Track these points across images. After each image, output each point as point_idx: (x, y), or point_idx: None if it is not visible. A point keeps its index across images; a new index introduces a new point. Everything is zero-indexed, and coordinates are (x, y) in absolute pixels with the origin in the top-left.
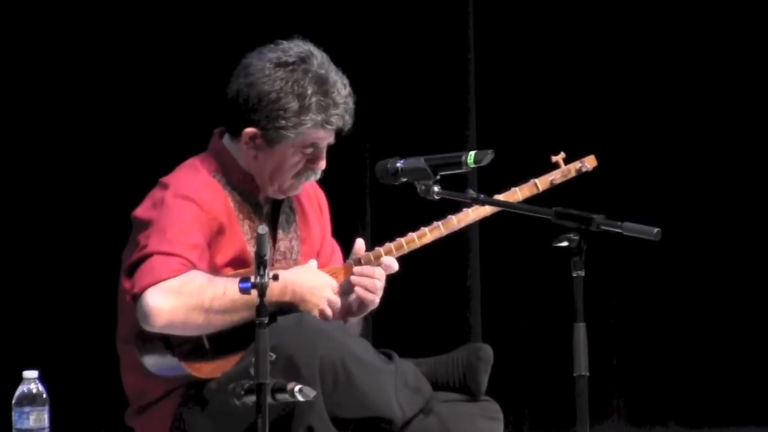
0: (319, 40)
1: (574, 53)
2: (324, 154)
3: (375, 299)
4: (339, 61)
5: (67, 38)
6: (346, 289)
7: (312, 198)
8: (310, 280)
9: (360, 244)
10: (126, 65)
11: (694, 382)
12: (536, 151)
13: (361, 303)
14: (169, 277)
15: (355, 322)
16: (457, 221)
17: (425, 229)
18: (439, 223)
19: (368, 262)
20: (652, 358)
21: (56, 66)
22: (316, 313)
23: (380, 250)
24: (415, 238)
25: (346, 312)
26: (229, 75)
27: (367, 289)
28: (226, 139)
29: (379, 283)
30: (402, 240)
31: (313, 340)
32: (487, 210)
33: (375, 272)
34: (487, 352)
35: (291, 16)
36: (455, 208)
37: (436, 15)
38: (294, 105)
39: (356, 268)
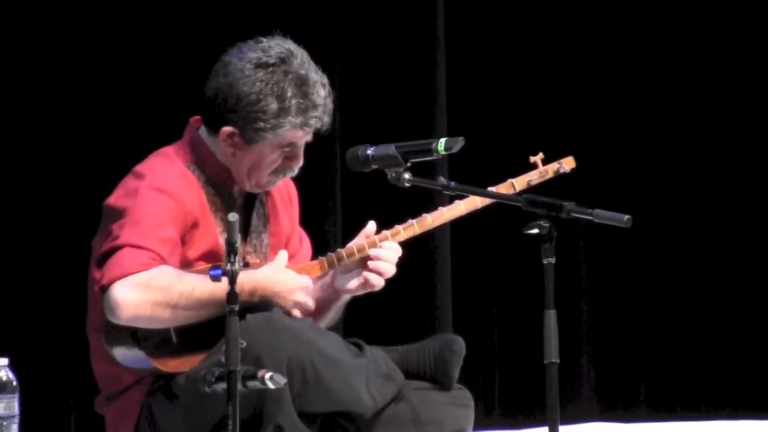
0: (288, 27)
1: (547, 40)
2: (301, 152)
3: (382, 283)
4: (308, 48)
5: (36, 24)
6: (322, 284)
7: (282, 189)
8: (280, 282)
9: (371, 226)
10: (97, 52)
11: (664, 365)
12: (507, 140)
13: (367, 284)
14: (138, 271)
15: (337, 307)
16: (432, 220)
17: (399, 227)
18: (414, 221)
19: (351, 256)
20: (622, 342)
21: (20, 51)
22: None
23: (353, 246)
24: (389, 236)
25: (326, 301)
26: (205, 64)
27: (379, 272)
28: (203, 131)
29: (393, 269)
30: (375, 237)
31: (282, 340)
32: (462, 209)
33: (392, 257)
34: (460, 344)
35: (259, 4)
36: (425, 196)
37: None
38: (273, 107)
39: (372, 252)
